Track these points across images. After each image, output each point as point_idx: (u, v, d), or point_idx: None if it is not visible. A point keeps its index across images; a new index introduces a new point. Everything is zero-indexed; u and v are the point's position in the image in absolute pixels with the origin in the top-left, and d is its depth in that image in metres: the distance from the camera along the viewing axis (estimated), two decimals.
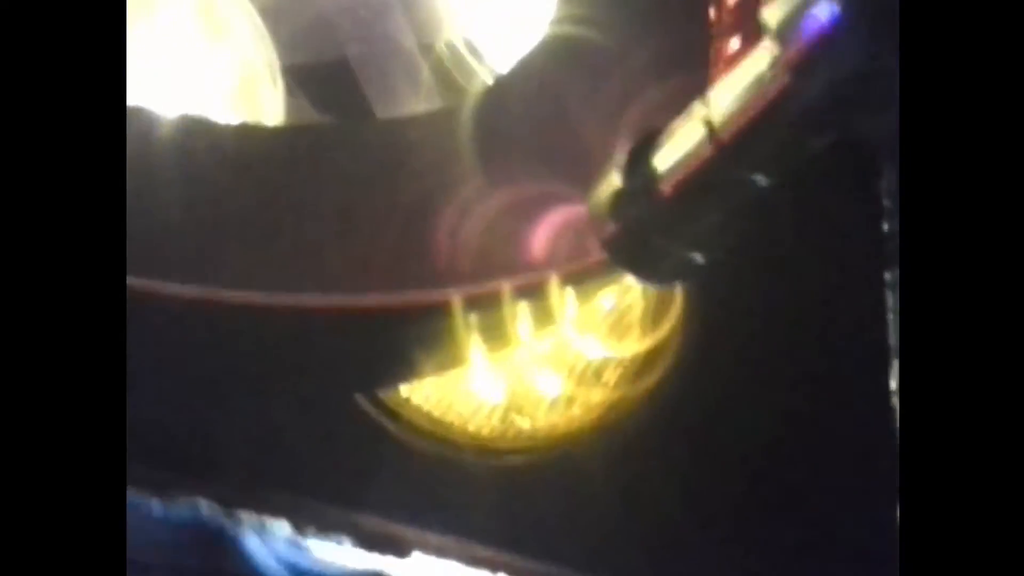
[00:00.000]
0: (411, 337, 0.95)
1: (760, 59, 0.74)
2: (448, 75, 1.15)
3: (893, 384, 1.03)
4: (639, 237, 0.83)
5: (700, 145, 0.79)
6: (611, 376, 1.04)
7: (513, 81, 1.09)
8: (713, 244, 0.82)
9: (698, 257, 0.83)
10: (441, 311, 0.93)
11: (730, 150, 0.77)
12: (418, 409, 0.99)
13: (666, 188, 0.82)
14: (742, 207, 0.80)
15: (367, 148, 1.03)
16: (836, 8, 0.68)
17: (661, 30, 1.08)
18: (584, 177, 0.94)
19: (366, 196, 0.99)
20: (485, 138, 1.02)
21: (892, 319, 1.05)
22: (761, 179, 0.78)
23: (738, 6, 0.98)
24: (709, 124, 0.78)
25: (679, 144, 0.81)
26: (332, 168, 1.00)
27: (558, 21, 1.08)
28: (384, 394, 0.97)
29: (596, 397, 1.04)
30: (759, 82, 0.74)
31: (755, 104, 0.75)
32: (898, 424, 0.80)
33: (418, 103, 1.14)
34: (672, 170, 0.81)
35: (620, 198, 0.84)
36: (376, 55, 1.14)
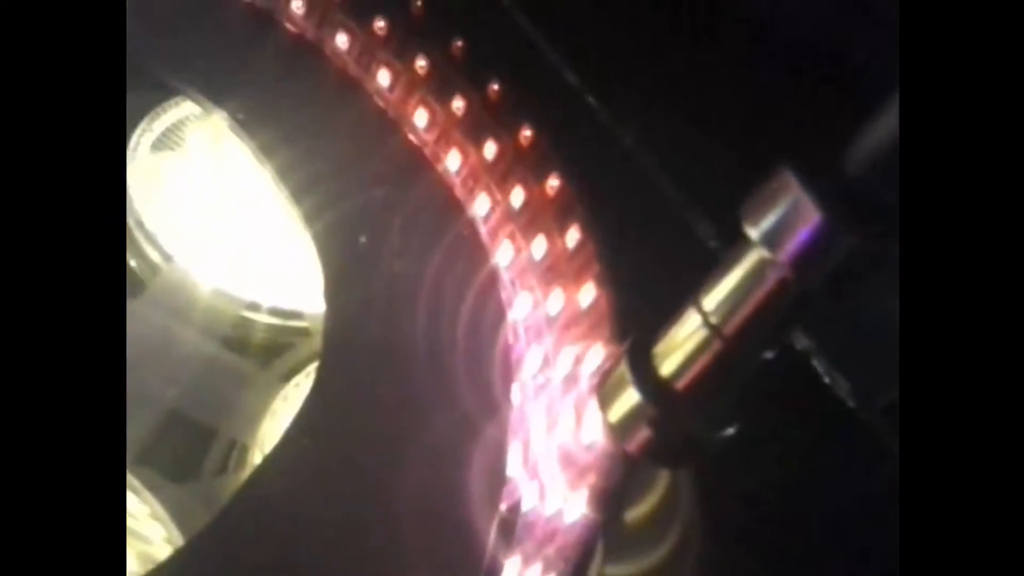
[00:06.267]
0: None
1: (750, 261, 0.86)
2: None
3: None
4: (670, 438, 0.94)
5: (705, 343, 0.91)
6: None
7: None
8: (733, 418, 0.94)
9: (722, 434, 0.94)
10: None
11: (736, 340, 0.90)
12: None
13: (680, 386, 0.93)
14: (752, 379, 0.92)
15: None
16: (821, 217, 0.81)
17: None
18: None
19: None
20: None
21: None
22: (768, 354, 0.91)
23: None
24: (708, 323, 0.90)
25: (683, 347, 0.92)
26: None
27: None
28: None
29: None
30: (754, 279, 0.87)
31: (754, 298, 0.87)
32: None
33: None
34: (681, 370, 0.93)
35: (639, 409, 0.94)
36: None
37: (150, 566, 0.99)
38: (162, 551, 1.03)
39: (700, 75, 1.40)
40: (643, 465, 0.99)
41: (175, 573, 0.92)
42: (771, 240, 0.85)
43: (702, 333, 0.91)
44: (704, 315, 0.91)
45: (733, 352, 0.90)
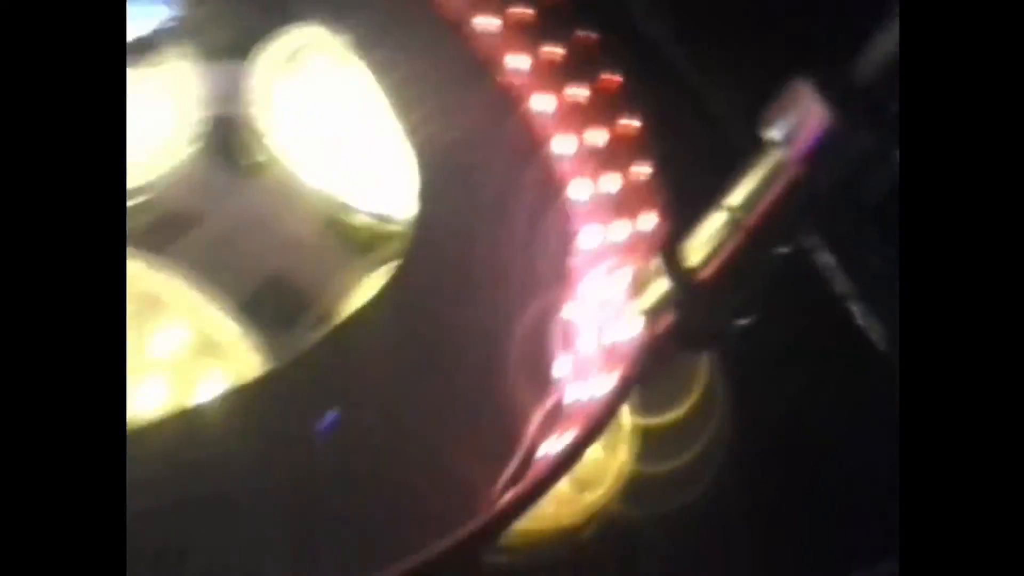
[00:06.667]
0: None
1: (769, 162, 0.98)
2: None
3: None
4: (693, 322, 1.06)
5: (729, 234, 1.02)
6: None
7: None
8: (751, 309, 1.06)
9: (740, 323, 1.06)
10: None
11: (754, 232, 1.01)
12: None
13: (704, 275, 1.05)
14: (769, 274, 1.04)
15: None
16: (829, 116, 0.92)
17: None
18: None
19: None
20: None
21: None
22: (783, 249, 1.02)
23: None
24: (732, 218, 1.02)
25: (709, 241, 1.04)
26: None
27: None
28: None
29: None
30: (772, 176, 0.98)
31: (771, 193, 0.99)
32: None
33: None
34: (706, 261, 1.05)
35: (667, 295, 1.06)
36: None
37: None
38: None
39: (791, 39, 1.49)
40: (669, 351, 1.10)
41: (260, 391, 1.08)
42: (786, 140, 0.96)
43: (726, 227, 1.03)
44: (728, 211, 1.03)
45: (751, 243, 1.02)
